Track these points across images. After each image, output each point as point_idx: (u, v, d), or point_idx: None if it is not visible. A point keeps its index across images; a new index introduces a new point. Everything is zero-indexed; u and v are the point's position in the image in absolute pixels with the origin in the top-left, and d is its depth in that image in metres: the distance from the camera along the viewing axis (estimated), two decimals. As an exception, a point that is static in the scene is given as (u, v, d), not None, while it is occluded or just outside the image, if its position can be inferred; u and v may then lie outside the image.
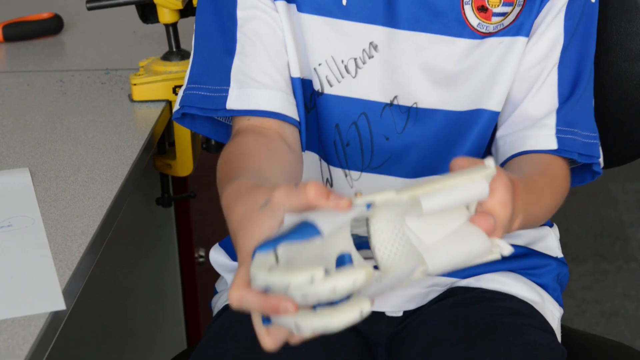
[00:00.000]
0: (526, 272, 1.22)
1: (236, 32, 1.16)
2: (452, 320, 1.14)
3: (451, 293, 1.18)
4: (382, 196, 0.84)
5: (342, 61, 1.16)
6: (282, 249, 0.82)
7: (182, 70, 1.42)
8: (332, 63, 1.17)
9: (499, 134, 1.19)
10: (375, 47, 1.15)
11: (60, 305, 0.95)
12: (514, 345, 1.10)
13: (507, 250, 0.90)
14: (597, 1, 1.19)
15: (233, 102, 1.15)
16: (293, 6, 1.15)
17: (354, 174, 1.20)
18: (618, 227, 2.73)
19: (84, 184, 1.19)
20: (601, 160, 1.20)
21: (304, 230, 0.81)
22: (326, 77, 1.17)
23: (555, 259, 1.25)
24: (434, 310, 1.17)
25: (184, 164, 1.45)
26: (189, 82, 1.18)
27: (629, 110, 1.32)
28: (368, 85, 1.17)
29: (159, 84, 1.41)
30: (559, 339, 1.20)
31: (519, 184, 0.96)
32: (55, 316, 0.94)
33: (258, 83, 1.15)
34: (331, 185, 1.21)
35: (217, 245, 1.28)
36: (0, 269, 1.01)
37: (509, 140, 1.18)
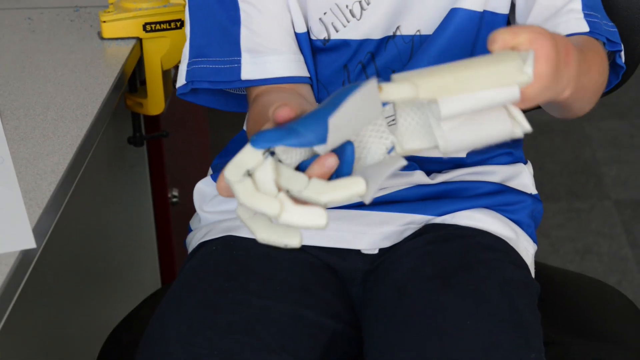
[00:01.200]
0: (501, 209, 1.22)
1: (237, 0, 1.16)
2: (427, 256, 1.15)
3: (426, 230, 1.18)
4: (401, 95, 0.83)
5: (347, 6, 1.16)
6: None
7: (152, 7, 1.40)
8: (337, 10, 1.17)
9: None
10: None
11: (30, 243, 0.95)
12: (489, 280, 1.10)
13: (528, 128, 0.88)
14: None
15: (248, 72, 1.15)
16: None
17: None
18: (592, 165, 2.74)
19: (53, 122, 1.17)
20: (622, 53, 1.18)
21: (312, 133, 0.81)
22: (332, 23, 1.17)
23: (530, 195, 1.25)
24: (409, 247, 1.17)
25: (155, 102, 1.44)
26: (191, 56, 1.17)
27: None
28: (373, 24, 1.17)
29: (129, 21, 1.39)
30: (533, 274, 1.20)
31: (570, 45, 0.94)
32: (26, 254, 0.94)
33: (270, 50, 1.15)
34: None
35: (207, 177, 1.27)
36: (-31, 208, 1.00)
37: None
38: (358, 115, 0.84)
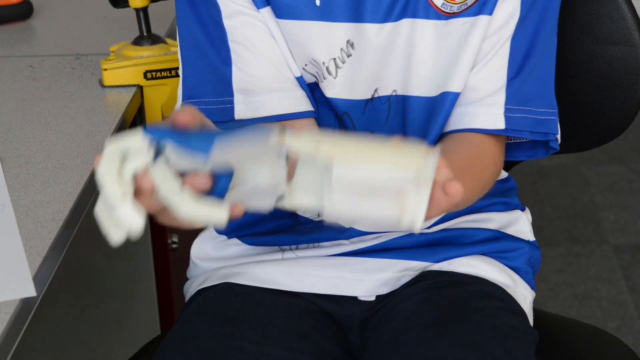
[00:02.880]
0: (498, 256, 1.22)
1: (227, 41, 1.16)
2: (423, 303, 1.15)
3: (423, 277, 1.19)
4: (300, 146, 0.86)
5: (323, 63, 1.16)
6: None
7: (153, 55, 1.41)
8: (315, 64, 1.17)
9: None
10: (352, 45, 1.15)
11: (30, 291, 0.95)
12: (486, 328, 1.10)
13: (416, 227, 0.87)
14: None
15: (241, 112, 1.15)
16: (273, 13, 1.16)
17: None
18: (591, 210, 2.75)
19: (54, 170, 1.18)
20: (559, 136, 1.19)
21: (199, 144, 0.83)
22: (316, 72, 1.17)
23: (527, 242, 1.25)
24: (406, 294, 1.18)
25: (155, 150, 1.45)
26: (184, 97, 1.18)
27: (600, 94, 1.32)
28: (349, 84, 1.16)
29: (130, 68, 1.40)
30: (531, 322, 1.21)
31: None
32: (26, 303, 0.94)
33: (263, 89, 1.15)
34: None
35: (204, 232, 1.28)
36: (-31, 256, 1.01)
37: (456, 112, 1.16)
38: (249, 151, 0.86)
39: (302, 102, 1.17)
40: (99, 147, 1.23)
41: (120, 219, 0.84)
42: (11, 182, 1.15)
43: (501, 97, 1.15)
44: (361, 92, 1.17)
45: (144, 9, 1.43)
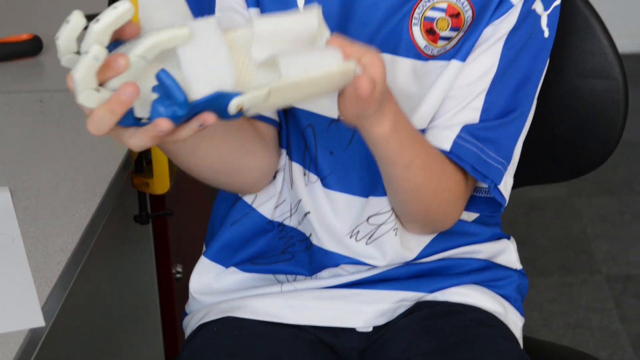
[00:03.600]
0: (489, 284, 1.23)
1: None
2: (422, 332, 1.15)
3: (419, 307, 1.19)
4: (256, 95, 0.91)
5: None
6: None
7: (159, 92, 1.42)
8: None
9: None
10: None
11: (39, 322, 0.95)
12: (487, 355, 1.11)
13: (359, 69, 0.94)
14: (551, 37, 1.16)
15: None
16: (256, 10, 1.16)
17: (312, 176, 1.20)
18: (583, 241, 2.75)
19: (63, 203, 1.19)
20: (502, 189, 1.15)
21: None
22: None
23: (516, 270, 1.26)
24: (404, 324, 1.18)
25: (161, 182, 1.45)
26: None
27: (582, 125, 1.33)
28: (318, 100, 1.15)
29: (137, 104, 1.40)
30: (521, 346, 1.21)
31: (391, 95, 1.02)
32: (35, 333, 0.94)
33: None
34: (292, 183, 1.20)
35: (200, 262, 1.28)
36: (-20, 287, 1.01)
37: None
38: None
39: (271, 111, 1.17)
40: (106, 181, 1.24)
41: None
42: (21, 215, 1.16)
43: (460, 127, 1.13)
44: (328, 110, 1.16)
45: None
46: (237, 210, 1.24)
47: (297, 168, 1.19)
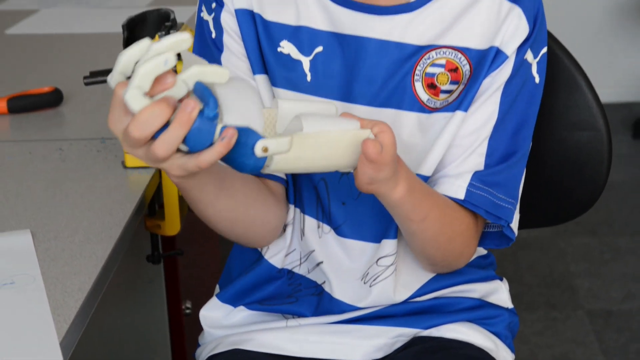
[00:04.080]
0: (481, 322, 1.22)
1: None
2: (418, 367, 1.15)
3: (414, 342, 1.19)
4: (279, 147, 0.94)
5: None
6: None
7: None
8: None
9: None
10: None
11: (57, 357, 0.95)
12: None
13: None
14: (541, 82, 1.18)
15: None
16: (264, 76, 1.17)
17: (325, 227, 1.20)
18: (566, 278, 2.75)
19: (80, 244, 1.19)
20: (513, 226, 1.17)
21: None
22: None
23: (507, 309, 1.25)
24: (400, 358, 1.18)
25: (172, 224, 1.45)
26: None
27: (569, 173, 1.33)
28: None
29: (150, 152, 1.41)
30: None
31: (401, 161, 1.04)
32: (53, 367, 0.94)
33: None
34: (303, 235, 1.21)
35: (211, 300, 1.28)
36: (2, 324, 1.01)
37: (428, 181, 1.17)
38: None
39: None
40: (121, 224, 1.24)
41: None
42: (42, 255, 1.16)
43: (470, 175, 1.15)
44: None
45: (163, 98, 1.44)
46: (251, 261, 1.25)
47: (310, 221, 1.20)
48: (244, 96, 0.95)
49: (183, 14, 2.06)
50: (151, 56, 0.89)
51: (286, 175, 1.19)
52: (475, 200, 1.14)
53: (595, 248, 2.90)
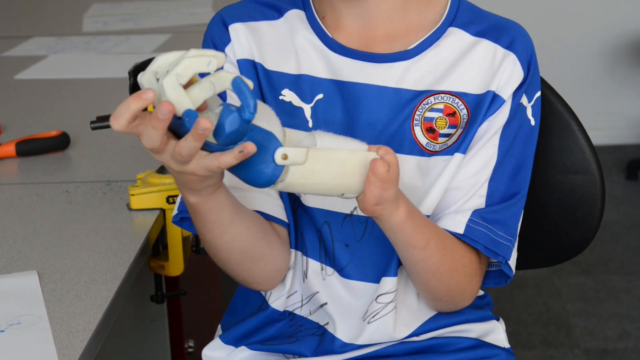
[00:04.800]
0: (479, 362, 1.22)
1: None
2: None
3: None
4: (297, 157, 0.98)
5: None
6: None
7: (175, 182, 1.43)
8: None
9: None
10: None
11: (63, 396, 0.95)
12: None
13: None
14: (537, 124, 1.19)
15: None
16: None
17: (328, 269, 1.21)
18: (563, 317, 2.74)
19: (86, 285, 1.19)
20: (511, 263, 1.18)
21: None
22: None
23: (504, 349, 1.25)
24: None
25: (176, 264, 1.46)
26: None
27: (564, 216, 1.34)
28: (332, 198, 1.18)
29: (154, 194, 1.41)
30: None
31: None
32: (58, 406, 0.94)
33: (251, 189, 1.15)
34: (305, 277, 1.21)
35: (214, 341, 1.28)
36: (9, 363, 1.01)
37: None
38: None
39: (279, 211, 1.19)
40: (125, 265, 1.24)
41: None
42: (47, 296, 1.16)
43: (470, 212, 1.16)
44: (341, 206, 1.18)
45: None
46: (256, 306, 1.25)
47: (313, 264, 1.20)
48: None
49: (187, 59, 2.08)
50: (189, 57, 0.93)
51: (288, 218, 1.20)
52: (474, 236, 1.15)
53: (591, 287, 2.89)
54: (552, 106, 1.31)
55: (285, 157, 0.96)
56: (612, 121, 3.89)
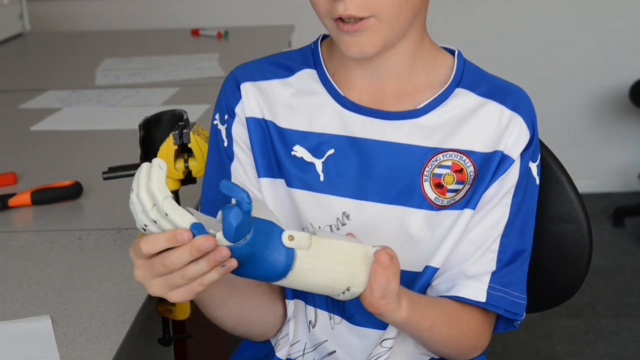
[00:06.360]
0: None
1: None
2: None
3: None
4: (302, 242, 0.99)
5: (320, 227, 1.18)
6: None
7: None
8: (310, 228, 1.19)
9: (435, 282, 1.19)
10: (348, 216, 1.18)
11: None
12: None
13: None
14: (539, 183, 1.22)
15: None
16: (281, 181, 1.19)
17: (336, 318, 1.21)
18: (553, 358, 2.72)
19: (97, 329, 1.19)
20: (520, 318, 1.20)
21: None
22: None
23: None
24: None
25: (182, 309, 1.45)
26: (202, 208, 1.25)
27: (554, 263, 1.34)
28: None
29: (163, 241, 1.41)
30: None
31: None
32: None
33: None
34: (313, 326, 1.21)
35: None
36: (23, 405, 1.00)
37: (446, 281, 1.18)
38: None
39: None
40: (134, 309, 1.24)
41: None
42: (60, 339, 1.16)
43: (488, 277, 1.17)
44: None
45: (176, 191, 1.46)
46: (264, 353, 1.26)
47: (322, 314, 1.21)
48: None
49: (195, 112, 2.09)
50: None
51: None
52: (495, 302, 1.16)
53: (580, 329, 2.88)
54: (543, 159, 1.31)
55: (291, 238, 0.97)
56: (598, 170, 3.90)
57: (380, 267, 1.00)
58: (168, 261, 0.94)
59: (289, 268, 0.98)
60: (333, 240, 1.00)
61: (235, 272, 0.98)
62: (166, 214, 0.94)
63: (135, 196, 0.95)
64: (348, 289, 1.01)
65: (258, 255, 0.96)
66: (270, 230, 0.97)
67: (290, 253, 0.97)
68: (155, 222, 0.95)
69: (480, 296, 1.16)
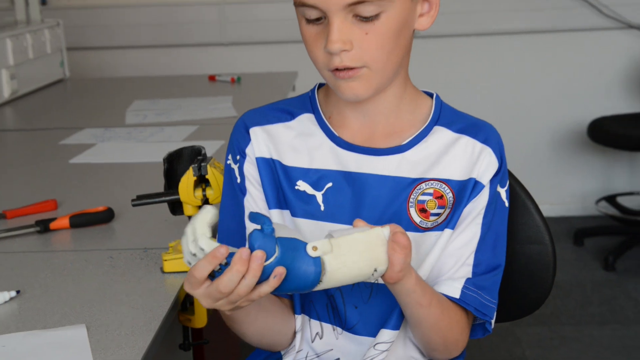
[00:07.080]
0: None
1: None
2: None
3: None
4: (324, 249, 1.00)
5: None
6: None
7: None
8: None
9: None
10: None
11: None
12: None
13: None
14: (508, 206, 1.22)
15: None
16: (287, 212, 1.19)
17: (338, 329, 1.21)
18: (523, 361, 2.71)
19: (125, 336, 1.18)
20: (493, 322, 1.20)
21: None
22: None
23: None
24: None
25: (200, 318, 1.45)
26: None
27: (523, 278, 1.34)
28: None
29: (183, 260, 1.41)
30: None
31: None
32: None
33: None
34: (320, 338, 1.21)
35: None
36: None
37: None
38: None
39: None
40: (159, 319, 1.24)
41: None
42: (94, 346, 1.15)
43: (463, 280, 1.17)
44: None
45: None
46: (271, 359, 1.26)
47: (327, 327, 1.21)
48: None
49: (211, 147, 2.09)
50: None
51: None
52: (467, 299, 1.16)
53: (546, 336, 2.86)
54: (512, 188, 1.32)
55: (315, 248, 0.97)
56: (561, 197, 3.90)
57: (398, 245, 1.01)
58: (221, 286, 0.96)
59: (320, 274, 0.98)
60: (349, 236, 1.00)
61: (277, 289, 0.98)
62: (202, 249, 0.95)
63: (187, 229, 0.99)
64: (375, 270, 1.02)
65: (290, 269, 0.96)
66: (295, 245, 0.97)
67: (318, 261, 0.97)
68: (194, 255, 0.96)
69: (455, 293, 1.16)
